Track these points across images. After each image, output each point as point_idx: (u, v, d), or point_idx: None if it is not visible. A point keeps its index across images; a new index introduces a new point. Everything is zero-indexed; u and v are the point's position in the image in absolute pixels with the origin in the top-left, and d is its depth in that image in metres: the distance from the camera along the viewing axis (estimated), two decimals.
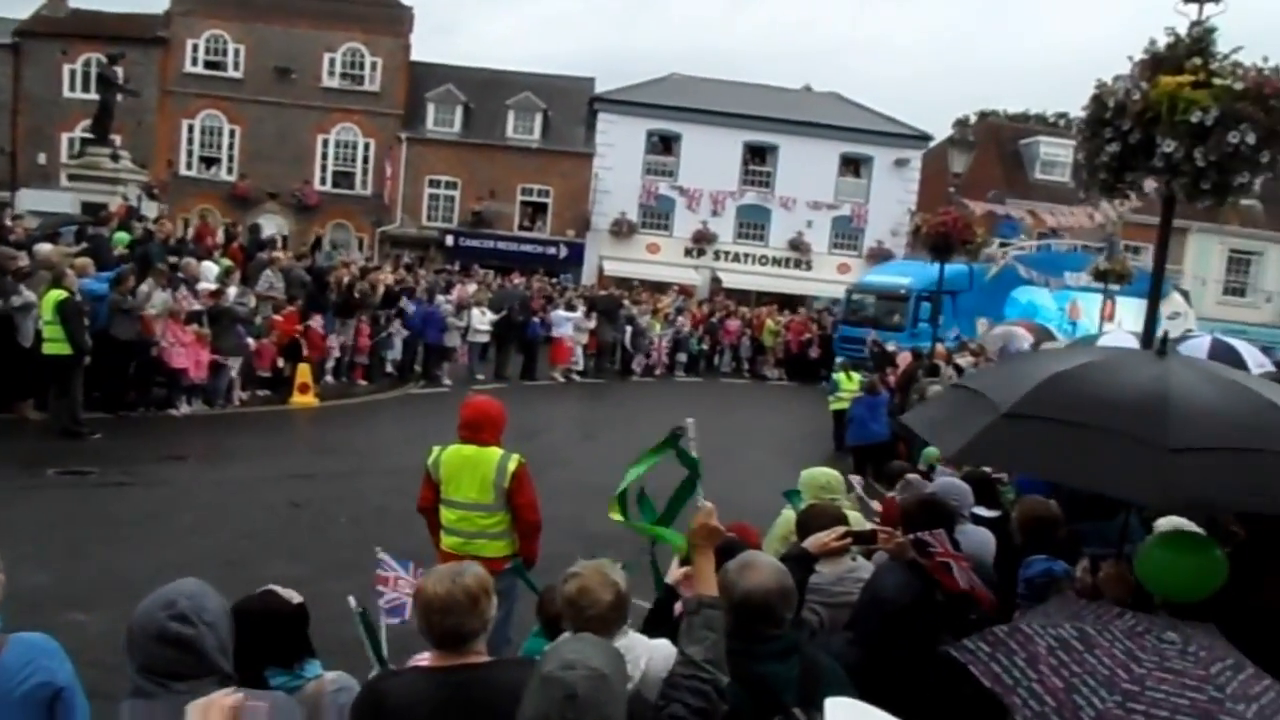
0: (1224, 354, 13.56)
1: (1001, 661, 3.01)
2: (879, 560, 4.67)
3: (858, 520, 5.43)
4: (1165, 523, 4.76)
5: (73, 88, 37.05)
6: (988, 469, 7.48)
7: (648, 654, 3.38)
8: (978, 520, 5.97)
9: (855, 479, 8.15)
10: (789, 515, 5.72)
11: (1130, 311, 26.71)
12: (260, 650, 3.29)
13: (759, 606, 3.19)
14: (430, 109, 40.09)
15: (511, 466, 6.04)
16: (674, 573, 3.94)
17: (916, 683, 3.65)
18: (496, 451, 6.07)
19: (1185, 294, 33.30)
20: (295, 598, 3.53)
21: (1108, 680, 2.79)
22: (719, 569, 3.33)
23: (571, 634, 3.28)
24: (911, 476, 7.60)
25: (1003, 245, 29.12)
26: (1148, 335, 8.16)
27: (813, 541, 4.04)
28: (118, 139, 23.26)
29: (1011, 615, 4.20)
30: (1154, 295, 8.79)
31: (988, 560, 5.25)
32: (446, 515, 6.18)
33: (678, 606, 3.77)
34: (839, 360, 25.88)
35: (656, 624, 3.91)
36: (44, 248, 14.45)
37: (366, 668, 4.04)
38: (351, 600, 4.19)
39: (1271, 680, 2.84)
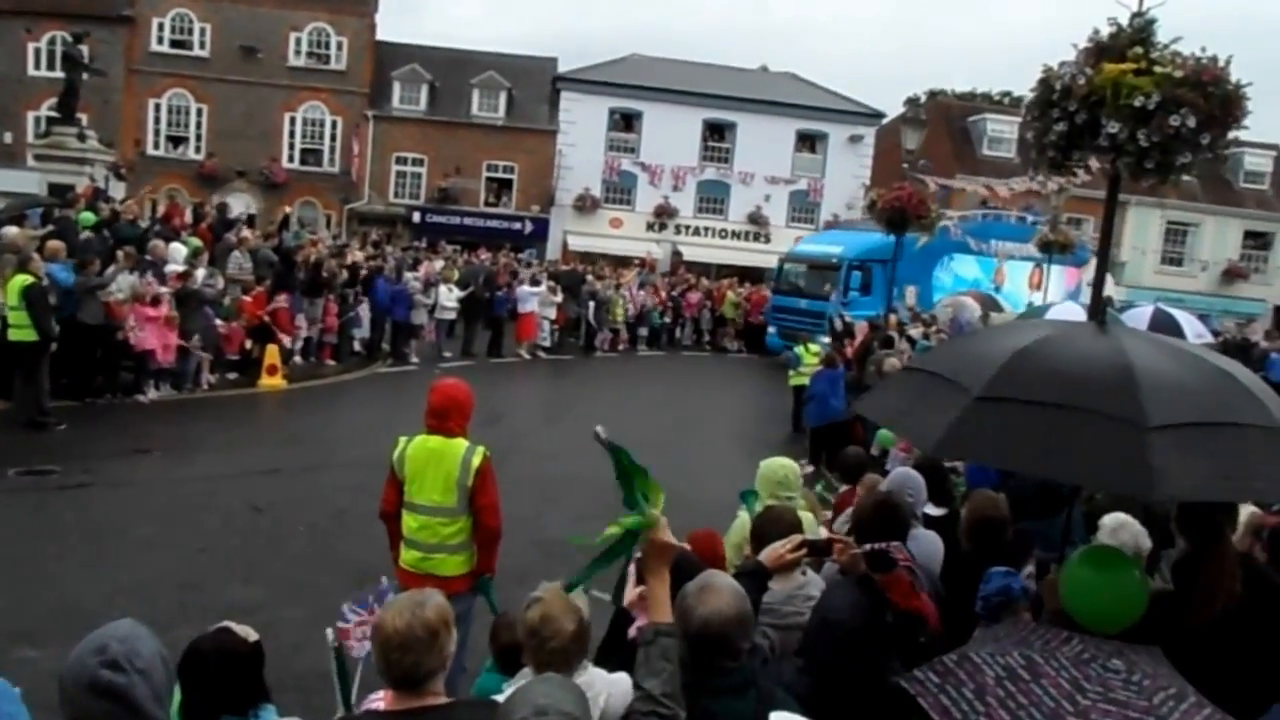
0: (1164, 323, 14.07)
1: (950, 694, 2.90)
2: (828, 574, 4.34)
3: (811, 524, 5.30)
4: (1110, 520, 4.75)
5: (38, 66, 36.78)
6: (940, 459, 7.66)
7: (606, 690, 3.11)
8: (925, 521, 5.64)
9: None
10: (744, 520, 5.46)
11: (1058, 279, 27.60)
12: (214, 696, 3.18)
13: (716, 637, 2.96)
14: (396, 87, 40.22)
15: (476, 461, 5.60)
16: (630, 593, 3.63)
17: (869, 711, 3.51)
18: (462, 443, 5.64)
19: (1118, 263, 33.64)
20: (251, 635, 3.36)
21: (1053, 713, 2.73)
22: (678, 588, 3.18)
23: (533, 671, 3.22)
24: (872, 477, 6.94)
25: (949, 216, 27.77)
26: (1095, 306, 8.86)
27: (768, 554, 3.73)
28: (84, 118, 23.10)
29: (961, 631, 4.02)
30: (1100, 267, 9.50)
31: (935, 568, 4.98)
32: (408, 522, 5.68)
33: (632, 630, 3.57)
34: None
35: (611, 651, 3.65)
36: (9, 231, 14.24)
37: (320, 706, 3.87)
38: (329, 634, 3.92)
39: (1213, 709, 2.80)
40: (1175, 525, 4.01)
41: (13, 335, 12.49)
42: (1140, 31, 7.36)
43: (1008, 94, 53.64)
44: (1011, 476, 6.43)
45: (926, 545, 5.12)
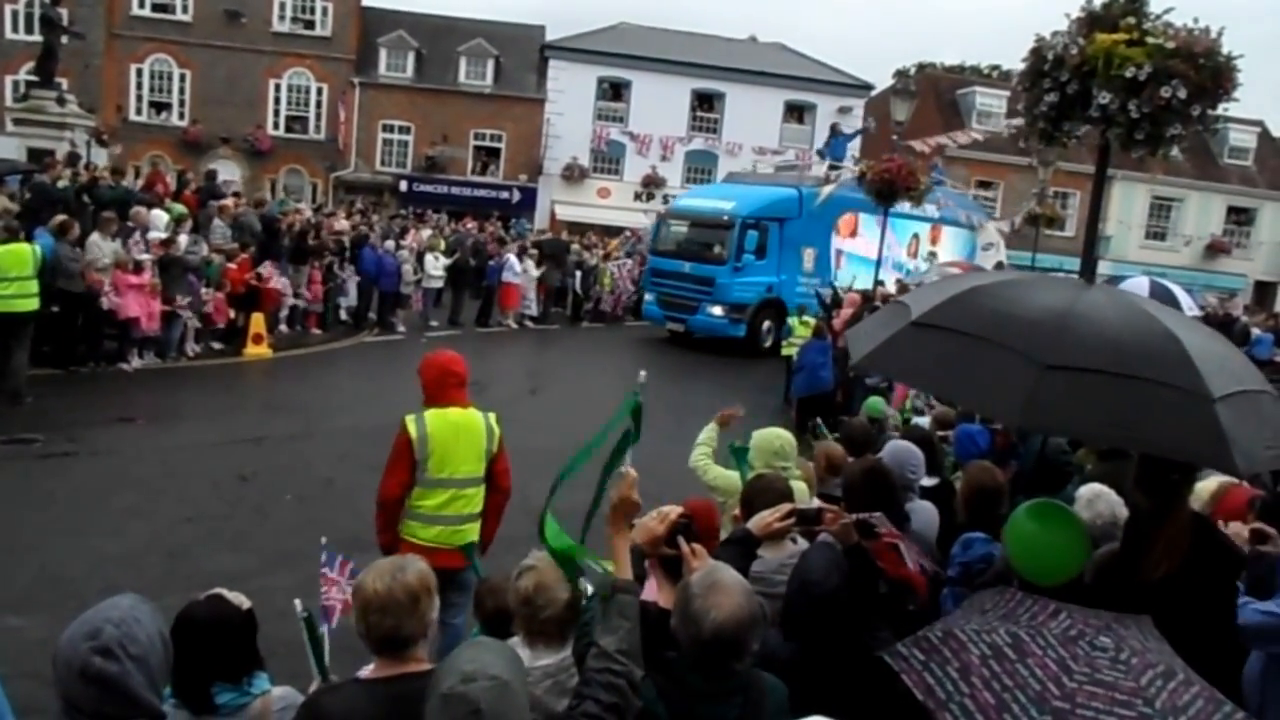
0: (1161, 295, 14.13)
1: (935, 672, 2.83)
2: (818, 541, 4.18)
3: (803, 493, 5.23)
4: (1087, 490, 4.77)
5: (15, 29, 36.19)
6: (928, 429, 7.46)
7: None
8: (921, 493, 5.49)
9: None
10: (734, 479, 5.56)
11: (952, 240, 27.50)
12: (208, 664, 3.16)
13: (729, 641, 2.78)
14: (383, 54, 39.88)
15: (498, 428, 5.67)
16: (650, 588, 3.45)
17: (855, 678, 3.39)
18: (477, 412, 5.62)
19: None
20: (244, 603, 3.33)
21: (1039, 696, 2.67)
22: (679, 571, 3.14)
23: (524, 640, 3.20)
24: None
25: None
26: (1085, 269, 8.88)
27: (757, 522, 3.66)
28: (64, 83, 22.61)
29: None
30: (1089, 237, 9.54)
31: (932, 539, 4.92)
32: (429, 500, 5.49)
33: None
34: (648, 297, 24.86)
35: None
36: None
37: (307, 673, 3.87)
38: (297, 604, 3.88)
39: (1201, 685, 2.77)
40: (1134, 484, 3.94)
41: (15, 306, 12.10)
42: (1133, 2, 7.37)
43: (996, 67, 53.64)
44: (1008, 451, 6.39)
45: (922, 516, 5.06)
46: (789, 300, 22.16)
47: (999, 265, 26.54)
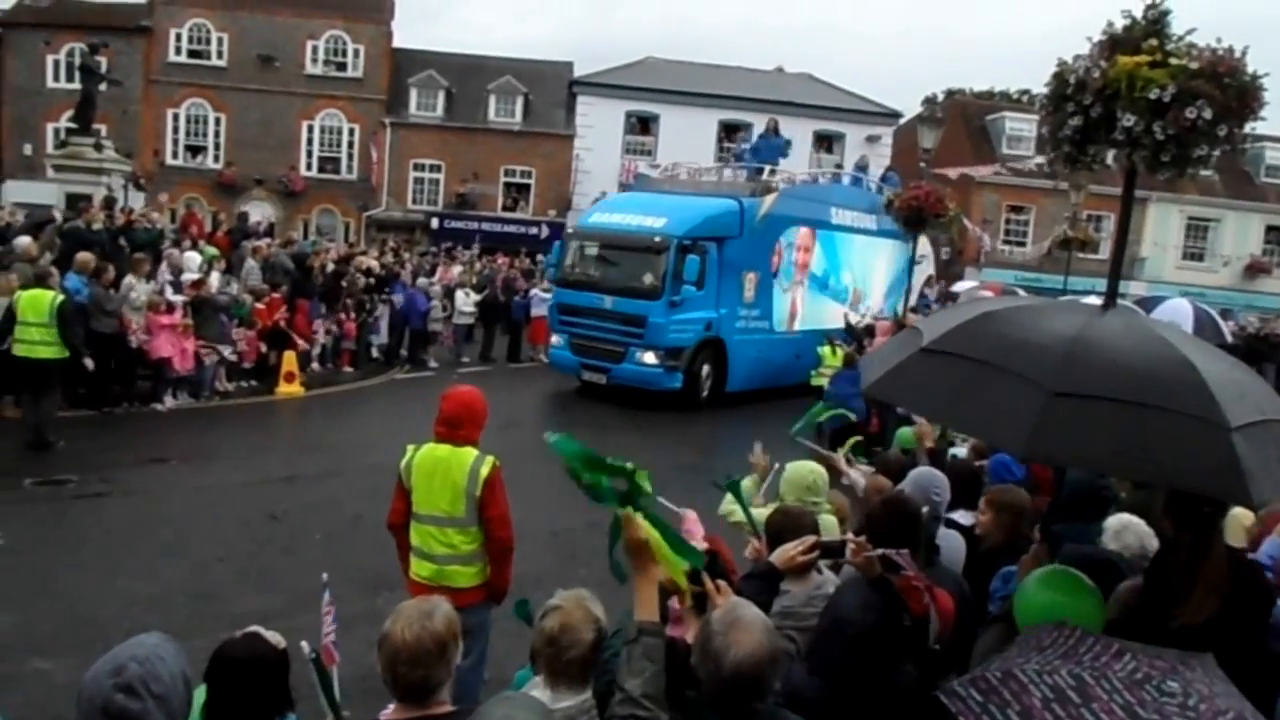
0: (1204, 317, 13.85)
1: (994, 715, 2.72)
2: (845, 575, 4.14)
3: (831, 527, 5.17)
4: (1115, 521, 4.70)
5: (57, 78, 37.02)
6: (969, 461, 7.18)
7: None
8: (952, 527, 5.39)
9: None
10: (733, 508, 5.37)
11: (881, 253, 23.96)
12: (244, 703, 3.11)
13: (750, 680, 2.75)
14: (413, 94, 40.30)
15: (484, 470, 5.43)
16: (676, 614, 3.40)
17: (881, 715, 3.39)
18: (471, 452, 5.48)
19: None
20: (280, 642, 3.29)
21: None
22: (701, 612, 3.09)
23: (546, 681, 3.21)
24: (879, 479, 6.34)
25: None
26: (1109, 292, 8.76)
27: (780, 556, 3.63)
28: (102, 129, 23.14)
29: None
30: (1116, 260, 9.43)
31: (958, 569, 4.83)
32: (415, 535, 5.57)
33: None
34: (556, 340, 19.71)
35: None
36: (22, 241, 14.29)
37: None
38: (304, 645, 3.86)
39: None
40: (1162, 514, 3.83)
41: (38, 353, 12.09)
42: (1154, 23, 7.27)
43: (1026, 92, 53.37)
44: (1046, 479, 6.22)
45: (950, 548, 4.99)
46: (728, 338, 19.36)
47: (928, 280, 26.01)
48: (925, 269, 25.31)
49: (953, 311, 3.98)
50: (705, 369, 19.07)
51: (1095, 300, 12.12)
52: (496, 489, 5.46)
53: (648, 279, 18.41)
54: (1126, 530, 4.54)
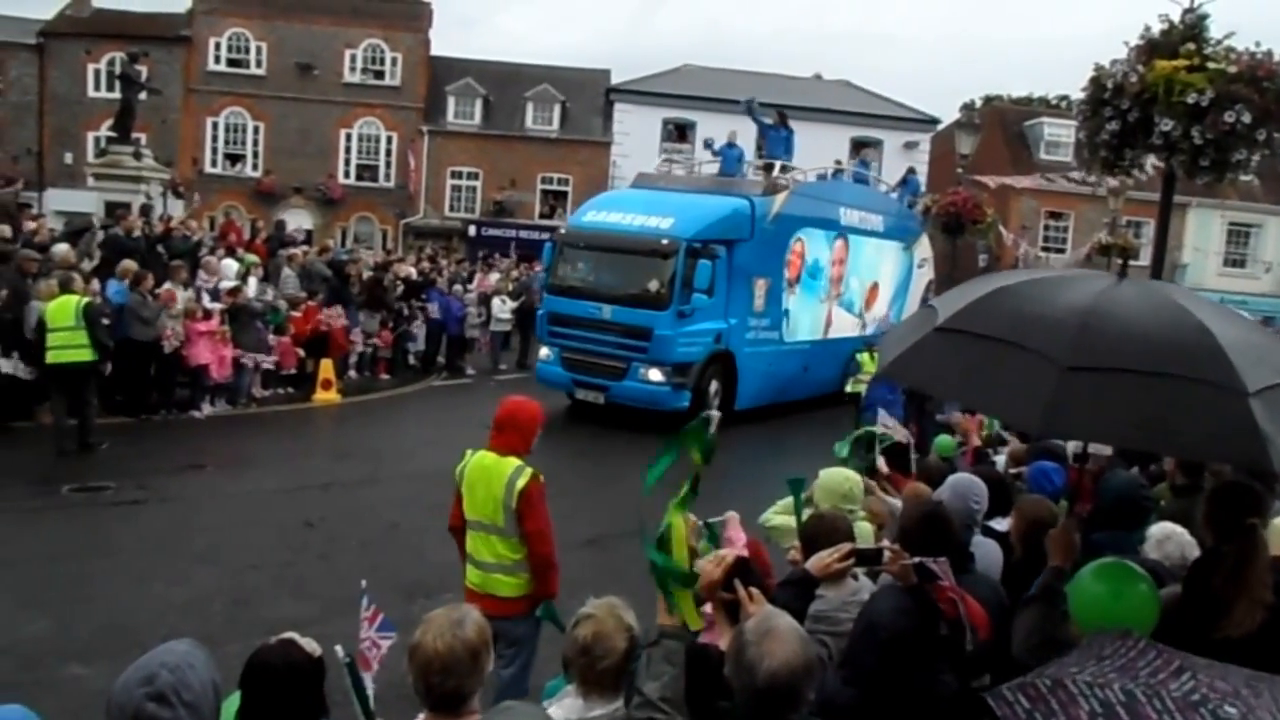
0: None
1: None
2: (883, 583, 4.14)
3: (867, 534, 5.13)
4: (1158, 530, 4.66)
5: (97, 87, 37.50)
6: (1001, 468, 7.29)
7: None
8: (989, 534, 5.29)
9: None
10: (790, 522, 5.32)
11: (888, 256, 22.73)
12: (279, 709, 3.08)
13: (785, 690, 2.71)
14: (451, 102, 40.57)
15: (520, 483, 5.31)
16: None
17: None
18: (512, 462, 5.39)
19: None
20: (315, 649, 3.26)
21: None
22: (742, 616, 3.10)
23: (578, 689, 3.19)
24: (918, 486, 6.39)
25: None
26: None
27: (815, 563, 3.64)
28: (142, 138, 23.51)
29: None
30: (1156, 266, 9.33)
31: (995, 576, 4.70)
32: (468, 540, 5.56)
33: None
34: (545, 353, 17.85)
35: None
36: (59, 249, 14.40)
37: None
38: (339, 650, 3.84)
39: None
40: (1203, 523, 3.73)
41: (69, 356, 12.22)
42: (1192, 28, 7.22)
43: (1064, 98, 52.87)
44: (1086, 487, 6.14)
45: (986, 554, 4.86)
46: (738, 350, 17.69)
47: (929, 286, 24.83)
48: (926, 274, 24.49)
49: (967, 288, 3.88)
50: (713, 385, 17.33)
51: None
52: (533, 502, 5.35)
53: (653, 286, 16.60)
54: (1169, 540, 4.48)
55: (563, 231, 18.87)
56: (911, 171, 27.62)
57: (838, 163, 26.43)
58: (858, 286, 21.70)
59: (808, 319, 19.79)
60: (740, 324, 17.67)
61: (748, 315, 17.86)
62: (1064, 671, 2.79)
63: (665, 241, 16.46)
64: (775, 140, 21.02)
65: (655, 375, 16.34)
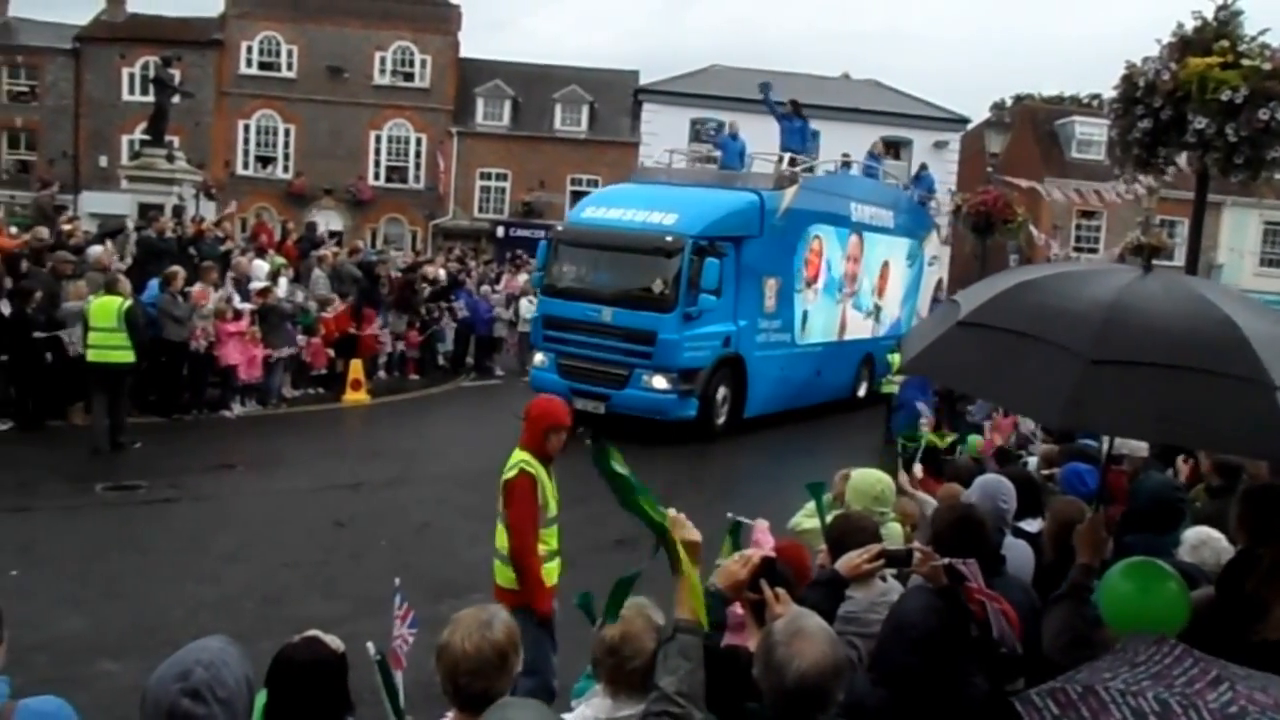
0: None
1: None
2: (912, 584, 4.08)
3: (896, 535, 5.13)
4: (1193, 535, 4.59)
5: (131, 91, 37.83)
6: (1033, 469, 7.17)
7: None
8: (1020, 535, 5.21)
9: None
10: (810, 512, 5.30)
11: (899, 254, 21.97)
12: (305, 706, 3.11)
13: (814, 691, 2.68)
14: (480, 103, 40.69)
15: (508, 475, 5.53)
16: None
17: None
18: (516, 455, 5.60)
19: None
20: (339, 646, 3.28)
21: None
22: (768, 617, 3.10)
23: (607, 690, 3.19)
24: (952, 487, 6.30)
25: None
26: None
27: (845, 564, 3.58)
28: (175, 140, 23.72)
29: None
30: (1190, 265, 9.23)
31: (1026, 580, 4.61)
32: None
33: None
34: (539, 358, 16.78)
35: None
36: (94, 250, 14.66)
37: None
38: (370, 646, 3.85)
39: None
40: (1236, 526, 3.67)
41: (108, 357, 12.46)
42: (1226, 24, 7.14)
43: (1096, 96, 52.40)
44: (1120, 490, 6.02)
45: (1017, 556, 4.79)
46: (748, 354, 16.79)
47: (939, 285, 24.44)
48: (937, 272, 23.88)
49: (990, 282, 3.85)
50: (722, 392, 16.41)
51: None
52: (514, 495, 5.49)
53: (657, 286, 15.59)
54: (1204, 545, 4.41)
55: (559, 228, 18.12)
56: (924, 168, 27.39)
57: (845, 156, 25.59)
58: (870, 285, 20.87)
59: (821, 320, 19.04)
60: (750, 326, 16.85)
61: (758, 317, 17.08)
62: (1096, 677, 2.72)
63: (670, 239, 15.52)
64: (789, 131, 19.99)
65: (660, 382, 15.42)
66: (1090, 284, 3.36)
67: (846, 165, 22.93)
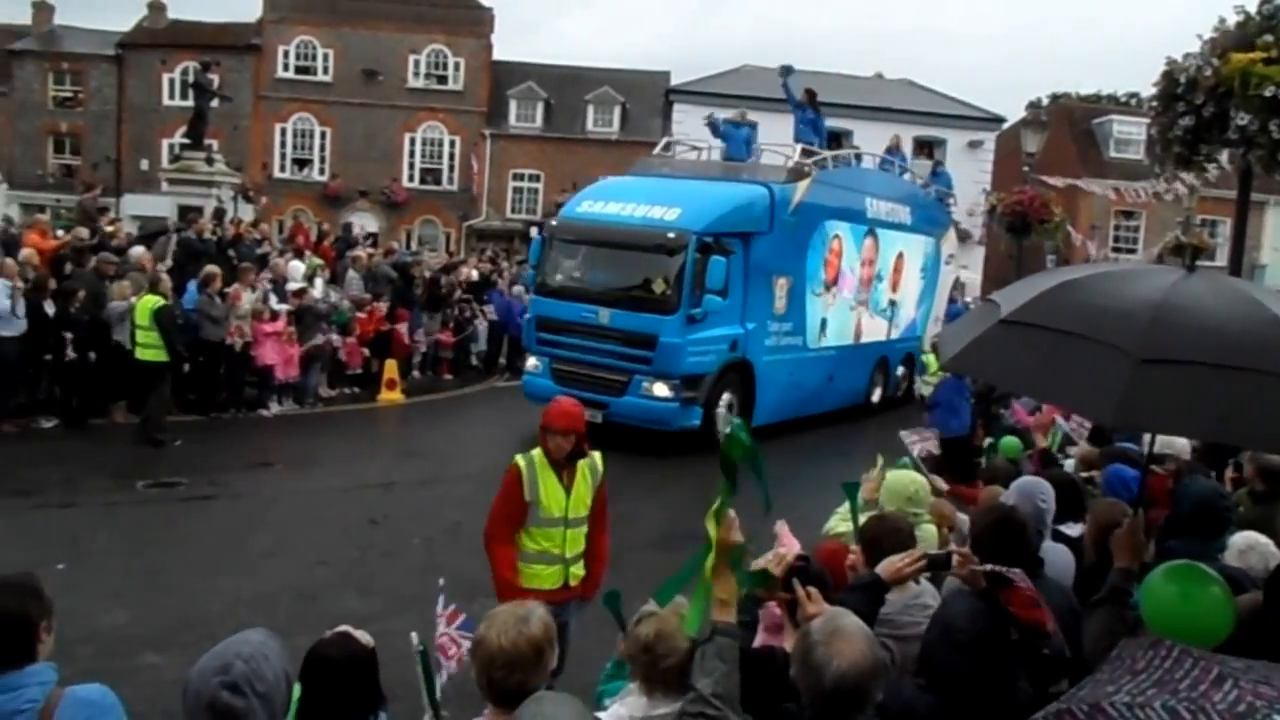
0: None
1: None
2: (949, 586, 4.05)
3: (931, 536, 5.08)
4: (1240, 539, 4.57)
5: (172, 95, 38.43)
6: (1071, 472, 6.95)
7: None
8: (1060, 539, 5.12)
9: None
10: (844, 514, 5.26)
11: (916, 252, 20.70)
12: (338, 700, 3.15)
13: (852, 691, 2.67)
14: (513, 105, 40.90)
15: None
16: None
17: None
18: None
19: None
20: (369, 641, 3.35)
21: None
22: (800, 616, 3.11)
23: (641, 688, 3.19)
24: (992, 489, 6.30)
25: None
26: None
27: (886, 569, 3.56)
28: (214, 144, 23.88)
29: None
30: (1234, 265, 9.12)
31: (1067, 584, 4.56)
32: None
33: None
34: (532, 363, 15.72)
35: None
36: (136, 251, 14.91)
37: (421, 711, 3.89)
38: (414, 637, 3.90)
39: None
40: None
41: (141, 355, 12.94)
42: (1270, 19, 7.04)
43: (1134, 95, 51.77)
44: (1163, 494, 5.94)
45: (1057, 560, 4.70)
46: (756, 359, 15.63)
47: (957, 284, 23.84)
48: (954, 271, 22.94)
49: (1030, 282, 3.84)
50: (724, 398, 15.25)
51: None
52: (502, 483, 5.64)
53: (658, 286, 14.51)
54: (1251, 550, 4.37)
55: (553, 223, 16.73)
56: (939, 164, 26.84)
57: (855, 148, 24.83)
58: (886, 285, 19.67)
59: (834, 322, 17.85)
60: (759, 329, 15.67)
61: (767, 319, 15.88)
62: (1099, 693, 2.65)
63: (672, 235, 14.32)
64: (803, 121, 19.08)
65: (661, 390, 14.27)
66: (1135, 283, 3.36)
67: (860, 158, 21.81)
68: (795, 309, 16.43)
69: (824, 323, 17.42)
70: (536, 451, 5.61)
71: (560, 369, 14.94)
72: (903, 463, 7.09)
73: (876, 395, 19.57)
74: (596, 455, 5.79)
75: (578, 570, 5.73)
